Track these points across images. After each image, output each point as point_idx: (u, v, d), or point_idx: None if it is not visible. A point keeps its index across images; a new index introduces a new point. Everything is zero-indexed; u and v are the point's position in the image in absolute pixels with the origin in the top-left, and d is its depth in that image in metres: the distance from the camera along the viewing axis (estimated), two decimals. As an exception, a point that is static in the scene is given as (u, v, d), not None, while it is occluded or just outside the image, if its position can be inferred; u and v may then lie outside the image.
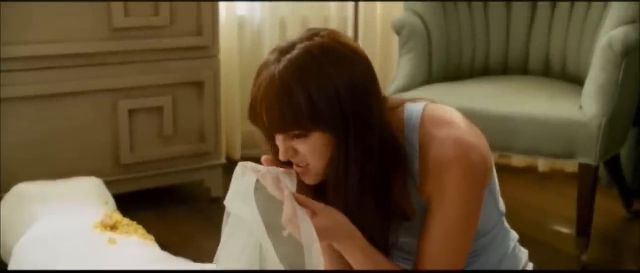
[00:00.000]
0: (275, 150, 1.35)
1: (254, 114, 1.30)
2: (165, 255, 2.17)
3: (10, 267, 2.17)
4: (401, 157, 1.33)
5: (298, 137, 1.29)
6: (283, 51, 1.29)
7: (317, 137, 1.28)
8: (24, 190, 2.45)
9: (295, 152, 1.31)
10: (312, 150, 1.29)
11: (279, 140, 1.31)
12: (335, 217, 1.31)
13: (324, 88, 1.26)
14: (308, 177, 1.34)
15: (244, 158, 3.56)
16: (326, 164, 1.31)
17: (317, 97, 1.25)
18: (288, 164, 1.35)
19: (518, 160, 3.59)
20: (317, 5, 3.68)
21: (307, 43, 1.29)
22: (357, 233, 1.32)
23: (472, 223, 1.35)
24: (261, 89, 1.28)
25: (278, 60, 1.28)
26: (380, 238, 1.36)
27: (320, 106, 1.26)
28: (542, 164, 3.54)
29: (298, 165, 1.33)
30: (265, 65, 1.30)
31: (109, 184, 2.64)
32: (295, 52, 1.28)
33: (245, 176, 1.32)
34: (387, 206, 1.34)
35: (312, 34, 1.31)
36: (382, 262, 1.35)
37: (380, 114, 1.31)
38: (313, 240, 1.26)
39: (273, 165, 1.36)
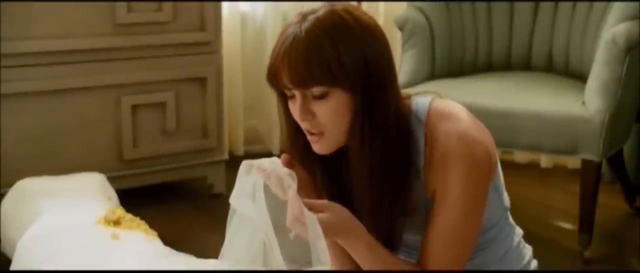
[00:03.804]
0: (291, 120, 1.35)
1: (273, 74, 1.29)
2: (168, 250, 2.17)
3: (14, 262, 2.17)
4: (410, 143, 1.34)
5: (318, 97, 1.28)
6: (307, 13, 1.30)
7: (337, 97, 1.28)
8: (27, 185, 2.45)
9: (313, 115, 1.30)
10: (331, 111, 1.28)
11: (297, 100, 1.30)
12: (339, 213, 1.30)
13: (351, 44, 1.27)
14: (321, 144, 1.32)
15: (247, 154, 3.60)
16: (342, 129, 1.30)
17: (344, 52, 1.26)
18: (304, 157, 1.35)
19: (521, 156, 3.59)
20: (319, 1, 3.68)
21: (330, 7, 1.30)
22: (361, 228, 1.32)
23: (476, 218, 1.35)
24: (284, 45, 1.27)
25: (303, 20, 1.28)
26: (389, 230, 1.36)
27: (346, 61, 1.26)
28: (545, 160, 3.54)
29: (311, 133, 1.31)
30: (288, 27, 1.30)
31: (111, 180, 2.64)
32: (320, 12, 1.29)
33: (250, 174, 1.32)
34: (402, 182, 1.34)
35: (333, 4, 1.32)
36: (386, 256, 1.34)
37: (396, 88, 1.33)
38: (319, 237, 1.26)
39: (289, 164, 1.35)
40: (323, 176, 1.39)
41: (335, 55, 1.25)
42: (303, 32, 1.26)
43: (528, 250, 1.58)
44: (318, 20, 1.27)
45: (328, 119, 1.29)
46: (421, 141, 1.34)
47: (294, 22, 1.29)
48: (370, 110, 1.29)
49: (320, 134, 1.31)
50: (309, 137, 1.33)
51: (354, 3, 3.75)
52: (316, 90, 1.27)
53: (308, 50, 1.25)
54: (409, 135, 1.34)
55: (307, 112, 1.30)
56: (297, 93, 1.29)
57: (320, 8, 1.30)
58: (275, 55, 1.29)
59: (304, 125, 1.32)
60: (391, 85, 1.32)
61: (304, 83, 1.27)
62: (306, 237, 1.26)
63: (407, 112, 1.36)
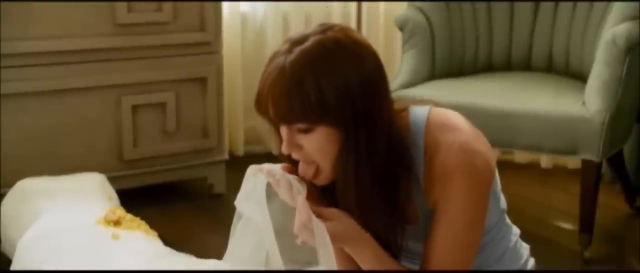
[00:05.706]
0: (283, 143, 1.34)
1: (260, 103, 1.29)
2: (168, 250, 2.17)
3: (14, 262, 2.17)
4: (407, 160, 1.33)
5: (303, 131, 1.28)
6: (295, 42, 1.28)
7: (322, 132, 1.27)
8: (27, 185, 2.45)
9: (300, 147, 1.30)
10: (317, 146, 1.28)
11: (283, 132, 1.31)
12: (346, 221, 1.31)
13: (335, 81, 1.25)
14: (319, 178, 1.33)
15: (247, 154, 3.60)
16: (333, 162, 1.30)
17: (328, 90, 1.24)
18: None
19: (521, 156, 3.59)
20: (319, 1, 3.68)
21: (320, 36, 1.28)
22: (368, 236, 1.33)
23: (477, 229, 1.36)
24: (270, 77, 1.27)
25: (289, 51, 1.27)
26: (386, 241, 1.36)
27: (329, 99, 1.25)
28: (545, 160, 3.54)
29: (305, 164, 1.32)
30: (276, 55, 1.29)
31: (112, 180, 2.64)
32: (307, 44, 1.27)
33: (256, 177, 1.32)
34: (392, 208, 1.34)
35: (325, 28, 1.30)
36: (392, 264, 1.35)
37: (388, 114, 1.31)
38: (326, 244, 1.26)
39: (290, 173, 1.35)
40: (324, 188, 1.39)
41: (317, 94, 1.24)
42: (288, 66, 1.25)
43: (525, 249, 1.58)
44: (303, 52, 1.26)
45: (315, 151, 1.29)
46: (420, 152, 1.34)
47: (282, 51, 1.28)
48: (355, 144, 1.28)
49: (316, 170, 1.31)
50: (302, 172, 1.32)
51: (354, 4, 3.76)
52: (300, 125, 1.28)
53: (290, 89, 1.25)
54: (405, 150, 1.33)
55: (294, 146, 1.30)
56: (283, 126, 1.30)
57: (310, 35, 1.28)
58: (261, 85, 1.29)
59: (293, 157, 1.32)
60: (382, 108, 1.30)
61: (287, 120, 1.28)
62: (313, 244, 1.27)
63: (404, 124, 1.35)
